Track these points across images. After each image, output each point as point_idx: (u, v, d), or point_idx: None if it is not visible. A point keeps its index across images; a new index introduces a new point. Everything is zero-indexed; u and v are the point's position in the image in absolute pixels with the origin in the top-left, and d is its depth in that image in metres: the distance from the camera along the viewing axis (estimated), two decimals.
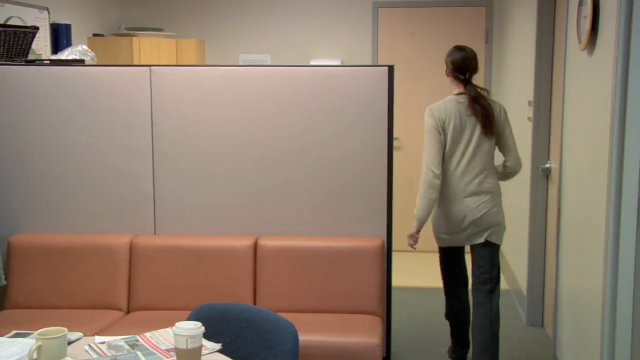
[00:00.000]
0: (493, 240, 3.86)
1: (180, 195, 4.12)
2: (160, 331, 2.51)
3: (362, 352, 3.42)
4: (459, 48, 4.03)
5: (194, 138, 4.09)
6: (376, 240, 3.97)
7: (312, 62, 6.88)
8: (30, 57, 4.46)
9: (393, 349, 4.22)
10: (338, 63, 6.81)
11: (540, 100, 4.81)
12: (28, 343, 2.32)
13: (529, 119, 5.02)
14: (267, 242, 3.99)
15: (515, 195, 5.72)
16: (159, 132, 4.09)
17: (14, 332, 2.54)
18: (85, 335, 2.56)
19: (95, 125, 4.12)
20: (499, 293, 3.90)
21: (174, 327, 2.17)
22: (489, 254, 3.88)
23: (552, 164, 4.67)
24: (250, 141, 4.07)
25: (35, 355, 2.17)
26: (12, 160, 4.15)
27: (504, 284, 6.00)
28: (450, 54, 4.02)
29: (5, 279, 4.02)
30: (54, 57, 4.62)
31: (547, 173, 4.79)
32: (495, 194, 3.91)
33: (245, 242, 3.99)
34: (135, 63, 6.16)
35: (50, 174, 4.15)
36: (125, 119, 4.10)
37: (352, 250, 3.93)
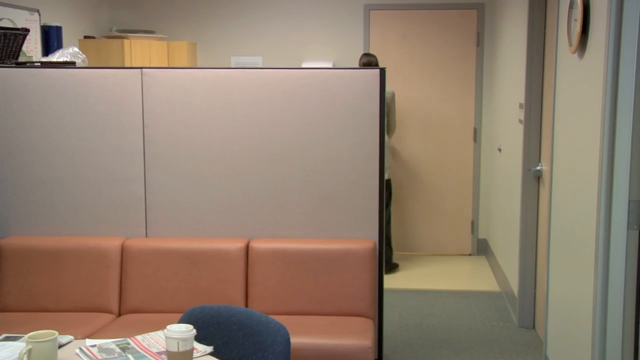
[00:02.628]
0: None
1: (171, 198, 4.12)
2: (152, 334, 2.50)
3: (354, 355, 3.42)
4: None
5: (186, 140, 4.08)
6: (368, 242, 3.97)
7: (304, 65, 6.88)
8: (21, 59, 4.45)
9: (385, 351, 4.23)
10: (330, 65, 6.82)
11: (531, 102, 4.82)
12: (18, 346, 2.31)
13: (520, 121, 5.04)
14: (258, 245, 3.98)
15: (507, 198, 5.73)
16: (150, 134, 4.08)
17: (4, 335, 2.53)
18: (76, 338, 2.55)
19: (87, 128, 4.11)
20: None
21: (165, 330, 2.17)
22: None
23: (543, 167, 4.69)
24: (242, 143, 4.07)
25: (25, 359, 2.16)
26: (2, 163, 4.13)
27: (495, 286, 6.02)
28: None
29: None
30: (44, 59, 4.61)
31: (538, 175, 4.80)
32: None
33: (237, 245, 3.99)
34: (126, 65, 6.15)
35: (41, 176, 4.14)
36: (116, 121, 4.09)
37: (343, 252, 3.93)
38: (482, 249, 7.12)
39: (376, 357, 3.89)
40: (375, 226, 4.05)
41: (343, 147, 4.03)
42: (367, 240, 4.01)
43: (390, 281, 6.02)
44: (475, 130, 7.05)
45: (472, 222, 7.15)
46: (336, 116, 4.02)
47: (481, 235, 7.14)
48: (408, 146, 7.08)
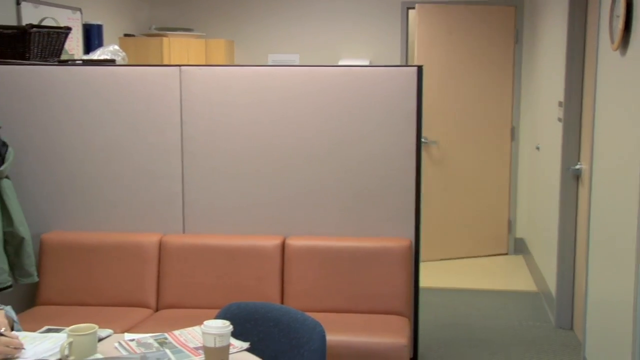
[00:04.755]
0: None
1: (208, 195, 4.15)
2: (189, 329, 2.53)
3: (389, 353, 3.41)
4: None
5: (223, 137, 4.11)
6: (404, 240, 3.96)
7: (341, 62, 6.88)
8: (63, 57, 4.52)
9: (420, 349, 4.21)
10: (367, 63, 6.80)
11: (571, 100, 4.76)
12: (60, 338, 2.35)
13: (559, 119, 4.97)
14: (294, 242, 3.99)
15: (545, 197, 5.67)
16: (188, 131, 4.12)
17: (46, 327, 2.58)
18: (114, 332, 2.58)
19: (126, 125, 4.16)
20: None
21: (202, 326, 2.18)
22: None
23: (583, 165, 4.62)
24: (279, 141, 4.08)
25: (67, 351, 2.20)
26: (45, 160, 4.20)
27: (532, 286, 5.95)
28: None
29: (38, 275, 4.07)
30: (86, 57, 4.68)
31: (577, 174, 4.74)
32: None
33: (273, 242, 4.00)
34: (165, 63, 6.21)
35: (82, 173, 4.20)
36: (155, 119, 4.13)
37: (380, 250, 3.92)
38: (519, 248, 7.05)
39: (411, 356, 3.88)
40: (411, 224, 4.04)
41: (379, 145, 4.02)
42: (403, 238, 3.99)
43: (427, 280, 5.99)
44: (513, 128, 6.98)
45: (509, 221, 7.08)
46: (372, 114, 4.01)
47: (518, 235, 7.07)
48: (445, 144, 7.03)
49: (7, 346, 2.26)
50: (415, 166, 4.00)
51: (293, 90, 4.05)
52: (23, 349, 2.29)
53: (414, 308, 4.05)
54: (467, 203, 7.04)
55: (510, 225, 7.08)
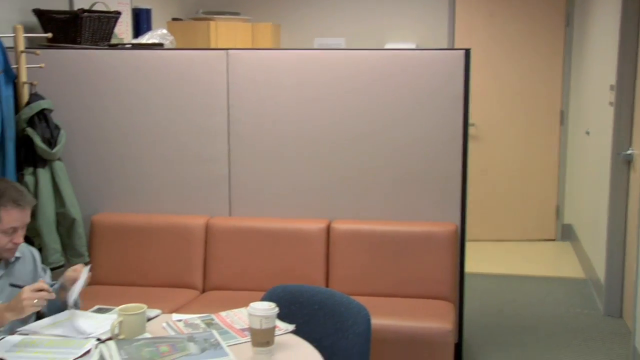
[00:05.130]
0: None
1: (255, 178, 4.18)
2: (235, 311, 2.56)
3: (434, 338, 3.40)
4: None
5: (269, 121, 4.13)
6: (450, 225, 3.93)
7: (387, 46, 6.83)
8: (113, 41, 4.58)
9: (465, 335, 4.19)
10: (413, 47, 6.74)
11: (623, 84, 4.65)
12: (110, 318, 2.40)
13: (610, 103, 4.87)
14: (340, 226, 4.00)
15: (594, 182, 5.57)
16: (235, 114, 4.15)
17: (96, 307, 2.64)
18: (162, 312, 2.62)
19: (174, 108, 4.20)
20: None
21: (248, 308, 2.21)
22: None
23: (635, 151, 4.52)
24: (325, 124, 4.08)
25: (117, 330, 2.25)
26: (95, 142, 4.28)
27: (580, 273, 5.87)
28: None
29: (88, 256, 4.16)
30: (135, 41, 4.73)
31: (628, 160, 4.64)
32: None
33: (318, 225, 4.02)
34: (212, 47, 6.25)
35: (131, 155, 4.27)
36: (202, 102, 4.17)
37: (425, 234, 3.90)
38: (566, 234, 6.94)
39: (456, 341, 3.86)
40: (457, 209, 4.00)
41: (425, 128, 3.99)
42: (448, 223, 3.97)
43: (472, 265, 5.95)
44: (562, 112, 6.86)
45: (557, 207, 6.98)
46: (419, 97, 3.98)
47: (566, 221, 6.96)
48: (491, 128, 6.96)
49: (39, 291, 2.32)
50: (461, 150, 3.97)
51: (339, 74, 4.04)
52: (52, 298, 2.35)
53: (460, 293, 4.03)
54: (510, 187, 6.96)
55: (558, 211, 6.98)
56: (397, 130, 4.01)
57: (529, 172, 6.96)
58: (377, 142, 4.04)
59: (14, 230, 2.44)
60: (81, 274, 2.51)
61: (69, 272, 2.54)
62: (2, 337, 2.32)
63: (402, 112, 4.00)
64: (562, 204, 6.96)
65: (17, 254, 2.56)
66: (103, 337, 2.28)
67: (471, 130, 6.63)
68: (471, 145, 6.43)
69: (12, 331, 2.37)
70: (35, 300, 2.33)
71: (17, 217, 2.44)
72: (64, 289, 2.56)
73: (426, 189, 4.02)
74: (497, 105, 6.87)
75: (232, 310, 2.57)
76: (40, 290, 2.34)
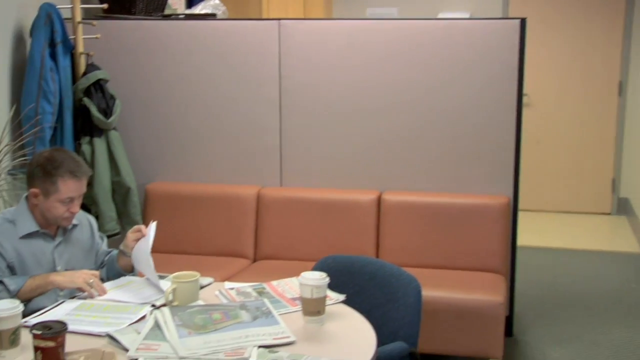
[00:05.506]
0: None
1: (306, 148, 4.19)
2: (286, 280, 2.58)
3: (485, 310, 3.39)
4: None
5: (321, 91, 4.12)
6: (502, 198, 3.89)
7: (440, 15, 6.72)
8: (167, 12, 4.62)
9: (516, 308, 4.16)
10: (467, 16, 6.63)
11: None
12: (164, 285, 2.44)
13: None
14: (391, 197, 3.99)
15: None
16: (286, 85, 4.15)
17: None
18: (215, 280, 2.66)
19: (226, 78, 4.23)
20: None
21: (299, 277, 2.22)
22: None
23: None
24: (377, 95, 4.06)
25: (171, 297, 2.29)
26: (149, 113, 4.34)
27: (636, 247, 5.75)
28: None
29: (143, 224, 4.23)
30: (188, 11, 4.76)
31: None
32: None
33: (369, 196, 4.01)
34: (264, 17, 6.24)
35: (184, 125, 4.31)
36: (254, 72, 4.18)
37: (476, 207, 3.86)
38: (622, 208, 6.79)
39: (507, 314, 3.84)
40: (510, 182, 3.95)
41: (479, 99, 3.93)
42: (501, 196, 3.92)
43: (524, 238, 5.88)
44: (620, 83, 6.68)
45: (613, 180, 6.83)
46: (472, 68, 3.92)
47: (623, 194, 6.81)
48: (546, 99, 6.82)
49: (89, 283, 2.40)
50: (515, 121, 3.90)
51: (391, 44, 4.00)
52: (104, 294, 2.42)
53: (511, 266, 3.99)
54: (565, 158, 6.84)
55: (614, 184, 6.83)
56: (449, 101, 3.97)
57: (585, 143, 6.82)
58: (429, 113, 4.00)
59: (71, 200, 2.50)
60: (149, 229, 2.57)
61: (130, 233, 2.60)
62: (62, 301, 2.39)
63: (455, 83, 3.95)
64: (618, 176, 6.81)
65: (75, 222, 2.62)
66: (158, 304, 2.33)
67: (525, 100, 6.51)
68: (525, 116, 6.32)
69: (71, 295, 2.44)
70: (92, 280, 2.40)
71: (74, 188, 2.49)
72: (123, 254, 2.62)
73: (479, 161, 3.97)
74: (551, 75, 6.73)
75: (283, 279, 2.59)
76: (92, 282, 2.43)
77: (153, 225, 2.58)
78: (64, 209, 2.50)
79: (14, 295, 2.33)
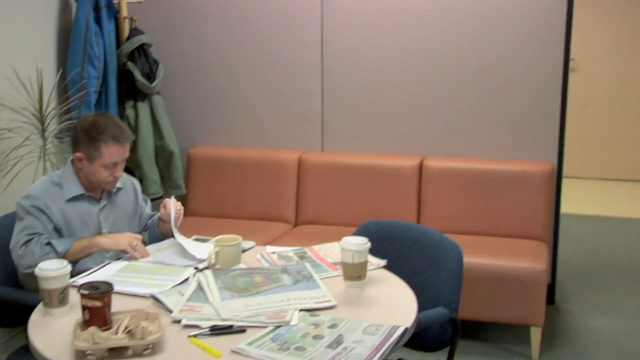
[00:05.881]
0: None
1: (347, 114, 4.17)
2: (328, 245, 2.59)
3: (527, 277, 3.36)
4: None
5: (363, 57, 4.09)
6: (546, 164, 3.83)
7: None
8: None
9: (558, 276, 4.12)
10: None
11: None
12: (207, 248, 2.47)
13: None
14: (432, 163, 3.97)
15: None
16: (328, 50, 4.13)
17: (194, 236, 2.71)
18: (257, 244, 2.68)
19: (268, 43, 4.22)
20: None
21: (341, 242, 2.23)
22: None
23: None
24: (420, 60, 4.01)
25: (213, 260, 2.32)
26: (193, 78, 4.36)
27: None
28: None
29: (186, 188, 4.29)
30: None
31: None
32: None
33: (411, 162, 3.99)
34: None
35: (227, 91, 4.33)
36: (296, 37, 4.16)
37: (520, 174, 3.82)
38: None
39: (549, 282, 3.81)
40: (554, 148, 3.89)
41: (524, 64, 3.86)
42: (545, 162, 3.87)
43: (568, 206, 5.81)
44: None
45: None
46: (518, 32, 3.84)
47: None
48: (593, 63, 6.66)
49: (132, 245, 2.44)
50: (561, 86, 3.83)
51: (434, 8, 3.94)
52: (147, 256, 2.46)
53: (554, 234, 3.95)
54: (612, 124, 6.69)
55: None
56: (493, 65, 3.90)
57: (633, 109, 6.66)
58: (473, 78, 3.94)
59: (114, 165, 2.53)
60: (169, 205, 2.59)
61: (161, 209, 2.62)
62: (107, 262, 2.44)
63: (498, 47, 3.88)
64: None
65: (119, 185, 2.66)
66: (200, 267, 2.36)
67: (572, 64, 6.37)
68: (571, 80, 6.21)
69: (117, 257, 2.49)
70: (135, 243, 2.44)
71: (117, 153, 2.52)
72: (162, 221, 2.66)
73: (523, 126, 3.91)
74: (600, 38, 6.56)
75: (325, 244, 2.60)
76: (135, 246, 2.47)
77: (172, 202, 2.59)
78: (107, 173, 2.53)
79: (61, 256, 2.38)
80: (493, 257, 3.48)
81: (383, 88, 4.09)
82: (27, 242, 2.41)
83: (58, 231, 2.50)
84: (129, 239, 2.47)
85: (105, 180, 2.54)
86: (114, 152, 2.51)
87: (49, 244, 2.41)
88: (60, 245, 2.41)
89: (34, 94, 3.62)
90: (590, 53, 6.64)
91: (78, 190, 2.55)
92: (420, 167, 3.99)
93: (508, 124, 3.93)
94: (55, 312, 2.00)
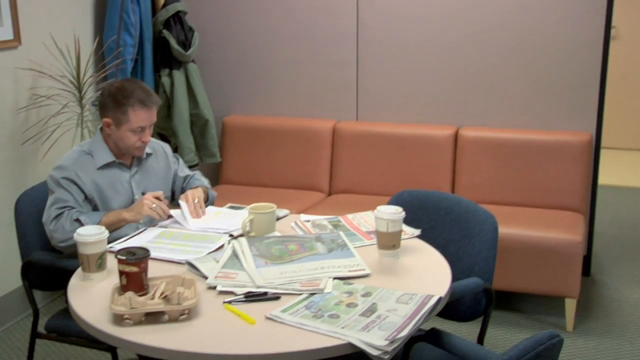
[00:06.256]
0: None
1: (382, 83, 4.14)
2: (362, 214, 2.59)
3: (562, 249, 3.33)
4: None
5: (398, 25, 4.04)
6: (584, 134, 3.77)
7: None
8: None
9: (595, 248, 4.08)
10: None
11: None
12: (242, 215, 2.49)
13: None
14: (467, 133, 3.93)
15: None
16: (364, 18, 4.09)
17: (229, 204, 2.73)
18: (291, 212, 2.69)
19: (303, 11, 4.19)
20: None
21: (375, 211, 2.23)
22: None
23: None
24: (455, 30, 3.95)
25: (248, 227, 2.34)
26: (228, 46, 4.35)
27: None
28: None
29: (220, 156, 4.32)
30: None
31: None
32: None
33: (446, 132, 3.96)
34: None
35: (261, 58, 4.32)
36: (331, 5, 4.13)
37: (557, 144, 3.76)
38: None
39: (585, 254, 3.77)
40: (593, 118, 3.83)
41: (563, 32, 3.78)
42: (583, 132, 3.81)
43: (606, 177, 5.72)
44: None
45: None
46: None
47: None
48: (635, 32, 6.51)
49: (153, 207, 2.44)
50: (601, 56, 3.75)
51: None
52: (167, 216, 2.47)
53: (591, 205, 3.90)
54: None
55: None
56: (531, 33, 3.83)
57: None
58: (510, 46, 3.88)
59: (142, 129, 2.52)
60: (183, 208, 2.58)
61: (181, 199, 2.62)
62: (143, 228, 2.46)
63: (537, 15, 3.80)
64: None
65: (149, 151, 2.66)
66: (235, 234, 2.38)
67: (613, 33, 6.23)
68: (612, 49, 6.08)
69: (152, 224, 2.51)
70: (154, 205, 2.44)
71: (145, 117, 2.51)
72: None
73: (561, 96, 3.85)
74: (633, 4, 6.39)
75: (359, 213, 2.60)
76: (158, 199, 2.46)
77: (183, 205, 2.58)
78: (135, 138, 2.52)
79: None
80: (528, 227, 3.45)
81: (419, 57, 4.04)
82: (58, 216, 2.42)
83: (90, 201, 2.51)
84: (147, 202, 2.44)
85: (133, 146, 2.54)
86: (141, 116, 2.50)
87: (77, 220, 2.41)
88: (89, 221, 2.38)
89: (72, 61, 3.65)
90: (633, 21, 6.47)
91: (108, 157, 2.56)
92: (456, 136, 3.95)
93: (546, 93, 3.87)
94: (93, 276, 2.04)
